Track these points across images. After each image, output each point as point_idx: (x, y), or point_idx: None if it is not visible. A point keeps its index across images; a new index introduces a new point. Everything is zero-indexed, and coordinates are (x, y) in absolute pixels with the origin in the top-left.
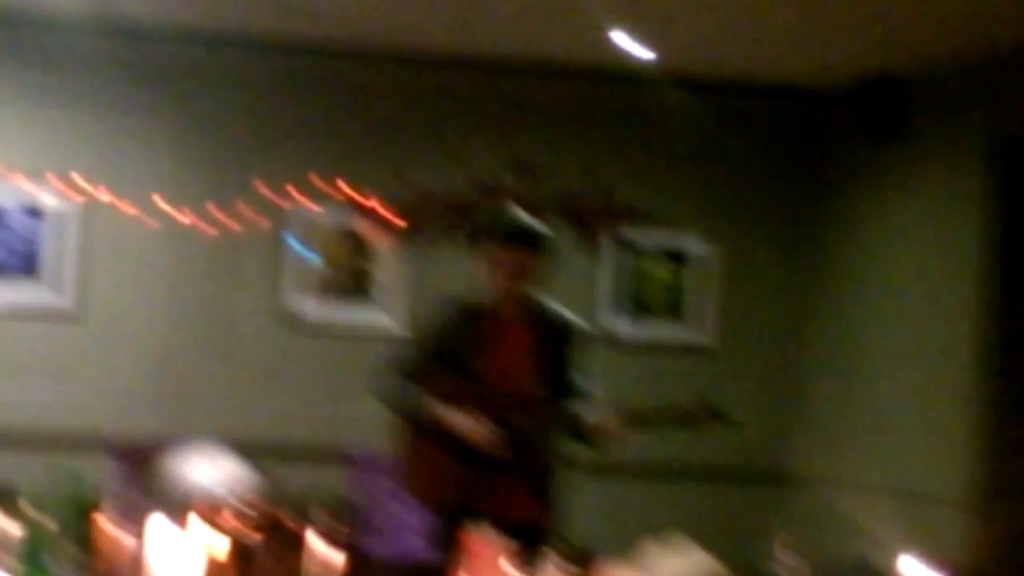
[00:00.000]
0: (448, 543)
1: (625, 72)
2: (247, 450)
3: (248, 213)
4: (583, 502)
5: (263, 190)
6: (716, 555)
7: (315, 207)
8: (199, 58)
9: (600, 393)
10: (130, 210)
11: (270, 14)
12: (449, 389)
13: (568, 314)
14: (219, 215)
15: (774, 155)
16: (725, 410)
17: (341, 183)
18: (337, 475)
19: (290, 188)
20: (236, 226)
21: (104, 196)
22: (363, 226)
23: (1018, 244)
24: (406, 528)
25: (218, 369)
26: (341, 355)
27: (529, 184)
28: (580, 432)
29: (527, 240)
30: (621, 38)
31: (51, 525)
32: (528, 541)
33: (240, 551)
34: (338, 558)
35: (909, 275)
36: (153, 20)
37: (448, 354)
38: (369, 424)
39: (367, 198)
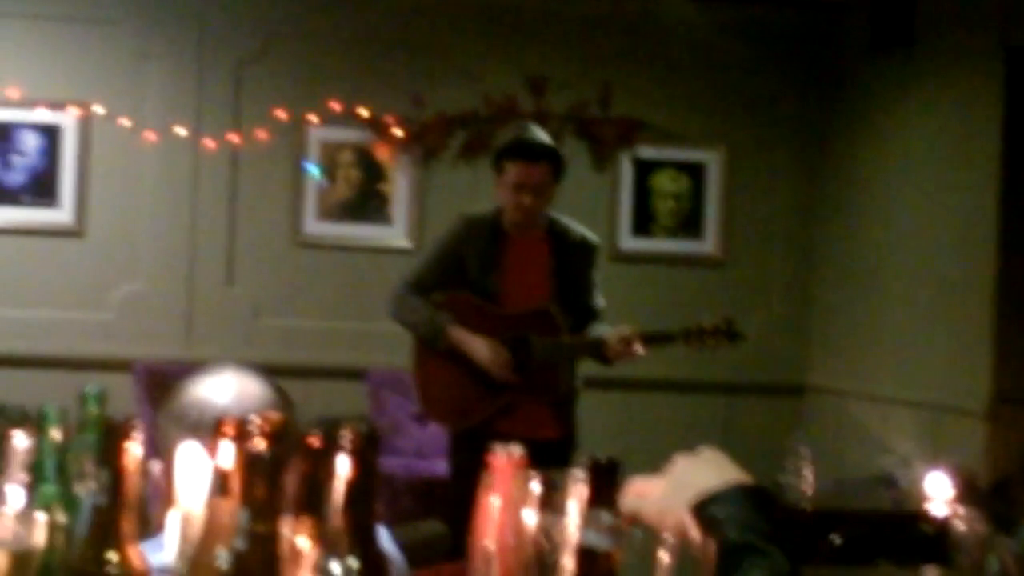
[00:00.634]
0: (468, 463)
1: None
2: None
3: (262, 134)
4: (602, 418)
5: (277, 110)
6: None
7: (328, 127)
8: None
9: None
10: (150, 136)
11: None
12: (465, 308)
13: (584, 230)
14: (233, 136)
15: (784, 65)
16: (741, 328)
17: (354, 103)
18: (355, 394)
19: (303, 108)
20: (251, 147)
21: (125, 121)
22: (377, 146)
23: None
24: (424, 447)
25: (232, 289)
26: (356, 275)
27: (542, 101)
28: (597, 349)
29: (536, 155)
30: None
31: (62, 439)
32: (551, 460)
33: (250, 461)
34: (351, 470)
35: (922, 184)
36: None
37: (463, 273)
38: (387, 343)
39: (380, 118)
